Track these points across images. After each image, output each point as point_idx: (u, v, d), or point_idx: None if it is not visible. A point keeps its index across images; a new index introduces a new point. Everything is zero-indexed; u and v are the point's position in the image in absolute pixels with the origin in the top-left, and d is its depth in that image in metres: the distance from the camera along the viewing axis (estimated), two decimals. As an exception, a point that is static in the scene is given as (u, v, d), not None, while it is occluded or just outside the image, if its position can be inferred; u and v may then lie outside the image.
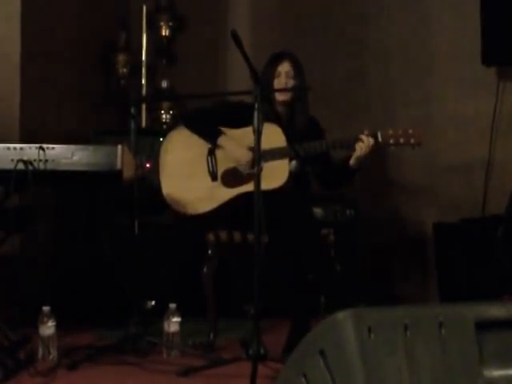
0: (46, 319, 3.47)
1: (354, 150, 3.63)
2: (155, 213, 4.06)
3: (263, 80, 3.53)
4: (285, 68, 3.76)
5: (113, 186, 3.71)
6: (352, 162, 3.66)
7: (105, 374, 3.31)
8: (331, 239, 3.80)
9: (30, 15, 4.39)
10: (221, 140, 3.69)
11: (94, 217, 4.57)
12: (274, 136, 3.58)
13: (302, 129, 3.75)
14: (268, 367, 3.06)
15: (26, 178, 3.16)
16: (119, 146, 3.30)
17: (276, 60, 3.78)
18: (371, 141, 3.62)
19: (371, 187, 4.94)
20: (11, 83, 4.33)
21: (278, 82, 3.75)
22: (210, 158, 3.71)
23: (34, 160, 3.21)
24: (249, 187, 3.52)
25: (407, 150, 3.73)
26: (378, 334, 1.76)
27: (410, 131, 3.66)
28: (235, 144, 3.68)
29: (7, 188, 3.19)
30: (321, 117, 3.90)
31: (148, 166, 4.50)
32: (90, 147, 3.32)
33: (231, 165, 3.70)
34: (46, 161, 3.22)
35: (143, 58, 5.28)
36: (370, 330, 1.75)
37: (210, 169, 3.71)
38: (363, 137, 3.62)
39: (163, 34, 5.45)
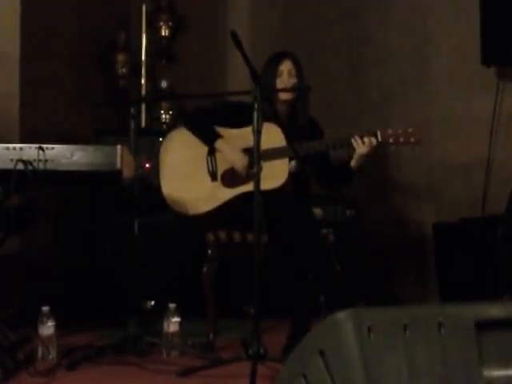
0: (45, 319, 3.47)
1: (353, 150, 3.62)
2: (155, 213, 4.06)
3: (264, 79, 3.52)
4: (287, 67, 3.74)
5: (113, 186, 3.70)
6: (353, 162, 3.66)
7: (104, 374, 3.31)
8: (331, 239, 3.80)
9: (30, 15, 4.39)
10: (217, 144, 3.69)
11: (93, 217, 4.57)
12: (273, 136, 3.58)
13: (302, 128, 3.75)
14: (268, 367, 3.05)
15: (25, 178, 3.16)
16: (119, 146, 3.30)
17: (277, 59, 3.76)
18: (373, 141, 3.61)
19: (371, 187, 4.93)
20: (11, 83, 4.33)
21: (281, 81, 3.73)
22: (209, 158, 3.70)
23: (34, 160, 3.20)
24: (248, 187, 3.51)
25: (407, 150, 3.73)
26: (377, 334, 1.76)
27: (410, 130, 3.65)
28: (231, 148, 3.67)
29: (7, 188, 3.19)
30: (320, 117, 3.89)
31: (148, 166, 4.50)
32: (90, 147, 3.31)
33: (230, 166, 3.70)
34: (46, 161, 3.22)
35: (143, 57, 5.27)
36: (369, 329, 1.75)
37: (210, 169, 3.70)
38: (365, 138, 3.61)
39: (163, 33, 5.45)
